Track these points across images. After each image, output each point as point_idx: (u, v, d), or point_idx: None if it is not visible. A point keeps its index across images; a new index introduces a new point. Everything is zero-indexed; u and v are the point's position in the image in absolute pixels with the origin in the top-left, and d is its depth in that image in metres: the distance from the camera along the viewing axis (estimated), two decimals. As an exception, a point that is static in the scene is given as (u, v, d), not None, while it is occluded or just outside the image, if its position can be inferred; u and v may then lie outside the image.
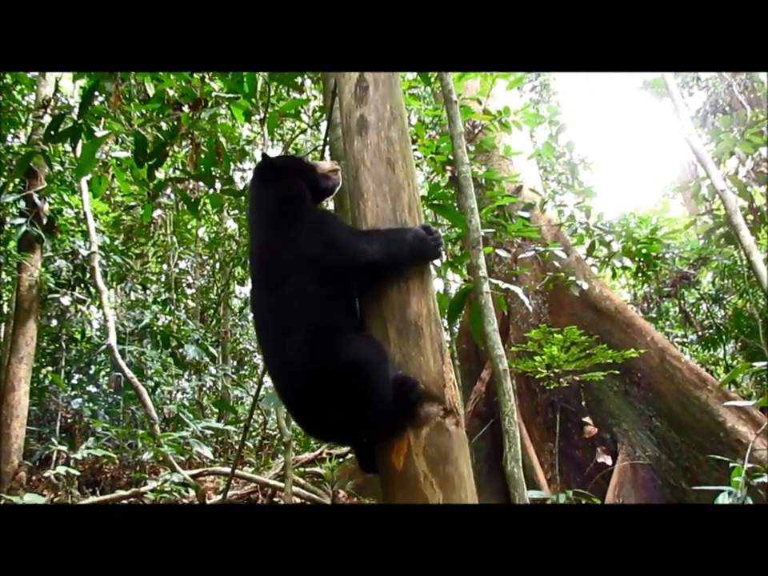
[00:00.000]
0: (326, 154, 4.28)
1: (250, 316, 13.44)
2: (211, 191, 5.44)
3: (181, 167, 7.47)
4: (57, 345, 8.15)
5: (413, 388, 1.93)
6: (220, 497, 6.69)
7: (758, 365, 3.24)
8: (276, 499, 7.24)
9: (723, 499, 4.35)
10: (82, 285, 8.19)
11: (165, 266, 11.49)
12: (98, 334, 8.88)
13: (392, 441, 1.96)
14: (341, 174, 2.56)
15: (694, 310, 8.90)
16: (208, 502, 6.43)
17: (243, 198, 6.30)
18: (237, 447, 3.38)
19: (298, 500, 6.89)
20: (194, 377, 9.10)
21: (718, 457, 4.75)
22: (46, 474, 6.19)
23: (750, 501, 4.28)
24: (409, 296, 2.10)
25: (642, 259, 7.40)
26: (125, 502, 6.66)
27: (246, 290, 12.58)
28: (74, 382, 9.09)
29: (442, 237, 2.22)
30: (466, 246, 5.34)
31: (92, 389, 9.27)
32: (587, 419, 5.58)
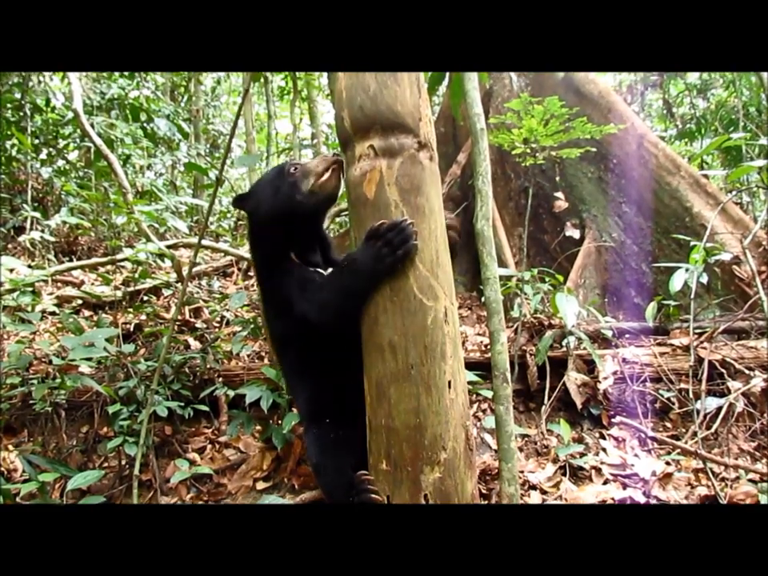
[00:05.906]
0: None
1: (223, 98, 12.92)
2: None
3: None
4: (21, 114, 7.78)
5: (359, 494, 1.93)
6: (195, 269, 6.86)
7: (735, 136, 3.21)
8: (250, 273, 7.45)
9: (680, 275, 4.55)
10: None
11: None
12: (65, 105, 8.45)
13: (364, 171, 1.95)
14: (339, 168, 2.18)
15: (677, 102, 8.71)
16: (183, 272, 6.58)
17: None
18: (205, 219, 3.38)
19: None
20: (166, 154, 8.87)
21: (680, 237, 4.90)
22: (20, 239, 6.22)
23: (705, 277, 4.49)
24: (387, 23, 1.98)
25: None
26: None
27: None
28: (43, 157, 8.82)
29: (407, 229, 1.85)
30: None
31: (62, 163, 9.03)
32: (559, 194, 5.64)
